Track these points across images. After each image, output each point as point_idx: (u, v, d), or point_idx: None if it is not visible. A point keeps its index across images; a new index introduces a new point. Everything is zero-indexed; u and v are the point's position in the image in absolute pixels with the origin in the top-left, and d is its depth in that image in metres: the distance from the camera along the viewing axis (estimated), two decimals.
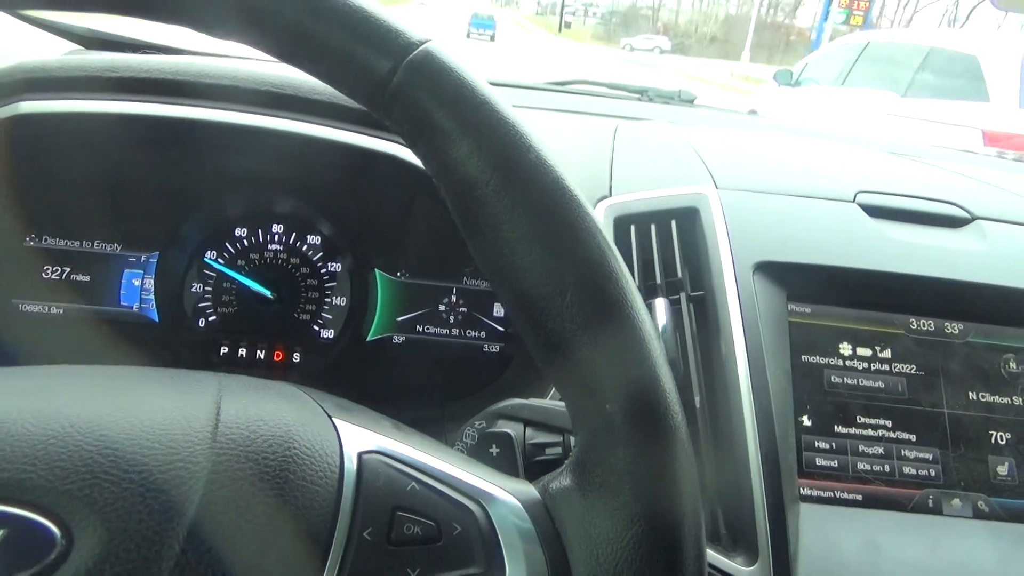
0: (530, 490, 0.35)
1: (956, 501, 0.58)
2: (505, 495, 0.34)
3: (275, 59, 0.36)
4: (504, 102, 0.34)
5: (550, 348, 0.33)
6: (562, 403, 0.47)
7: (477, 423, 0.45)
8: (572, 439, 0.44)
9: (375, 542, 0.30)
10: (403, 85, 0.33)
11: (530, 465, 0.43)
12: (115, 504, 0.27)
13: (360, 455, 0.32)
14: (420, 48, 0.34)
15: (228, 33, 0.35)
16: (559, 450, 0.43)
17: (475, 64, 0.37)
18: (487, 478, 0.34)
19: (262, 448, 0.31)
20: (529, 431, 0.44)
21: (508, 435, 0.43)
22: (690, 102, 1.39)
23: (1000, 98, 3.98)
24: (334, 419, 0.34)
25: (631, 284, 0.33)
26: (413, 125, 0.34)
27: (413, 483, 0.32)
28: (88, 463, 0.28)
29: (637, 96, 1.36)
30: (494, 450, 0.43)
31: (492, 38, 30.58)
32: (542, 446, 0.43)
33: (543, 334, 0.33)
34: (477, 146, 0.33)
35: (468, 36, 30.27)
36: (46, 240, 0.76)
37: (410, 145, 0.35)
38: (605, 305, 0.32)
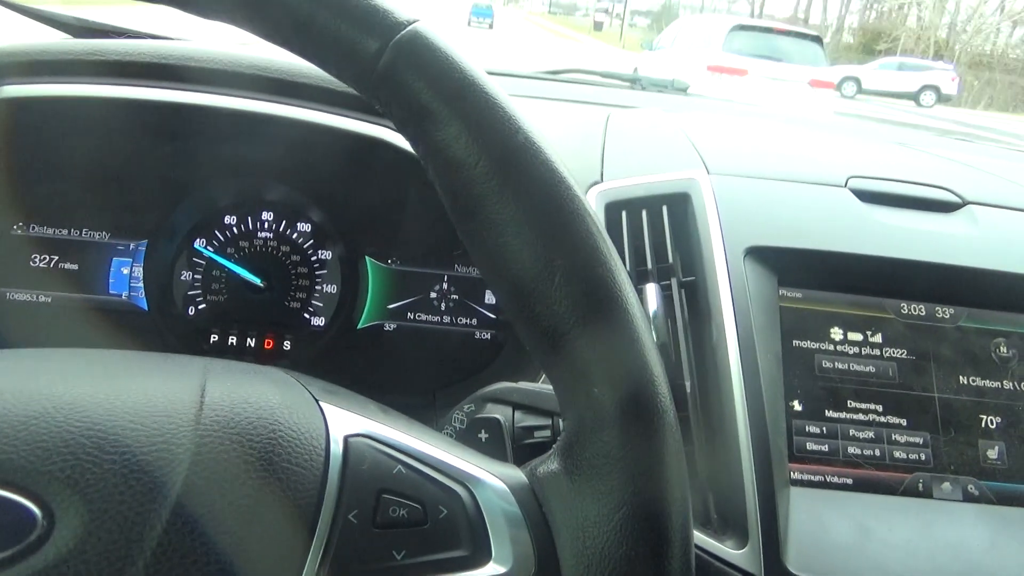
0: (517, 474, 0.35)
1: (946, 485, 0.58)
2: (492, 479, 0.34)
3: (264, 41, 0.35)
4: (493, 83, 0.34)
5: (538, 332, 0.33)
6: (551, 386, 0.47)
7: (466, 407, 0.45)
8: (561, 422, 0.43)
9: (360, 524, 0.30)
10: (391, 65, 0.33)
11: (518, 448, 0.43)
12: (97, 485, 0.27)
13: (346, 438, 0.32)
14: (408, 28, 0.33)
15: (217, 14, 0.35)
16: (548, 433, 0.43)
17: (465, 46, 0.37)
18: (474, 462, 0.34)
19: (247, 430, 0.30)
20: (518, 414, 0.44)
21: (497, 420, 0.43)
22: (683, 91, 1.38)
23: (713, 48, 8.57)
24: (320, 402, 0.34)
25: (620, 268, 0.33)
26: (401, 106, 0.34)
27: (399, 466, 0.32)
28: (70, 444, 0.28)
29: (629, 84, 1.36)
30: (483, 435, 0.43)
31: (491, 26, 31.93)
32: (531, 429, 0.43)
33: (531, 318, 0.33)
34: (465, 127, 0.33)
35: (469, 24, 31.35)
36: (33, 228, 0.76)
37: (398, 126, 0.35)
38: (594, 289, 0.32)
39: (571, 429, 0.33)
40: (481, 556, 0.31)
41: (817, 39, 9.19)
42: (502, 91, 0.34)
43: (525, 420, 0.43)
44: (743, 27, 8.82)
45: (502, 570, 0.31)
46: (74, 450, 0.28)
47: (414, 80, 0.33)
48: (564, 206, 0.33)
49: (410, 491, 0.31)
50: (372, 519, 0.30)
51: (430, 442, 0.34)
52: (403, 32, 0.33)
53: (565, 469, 0.33)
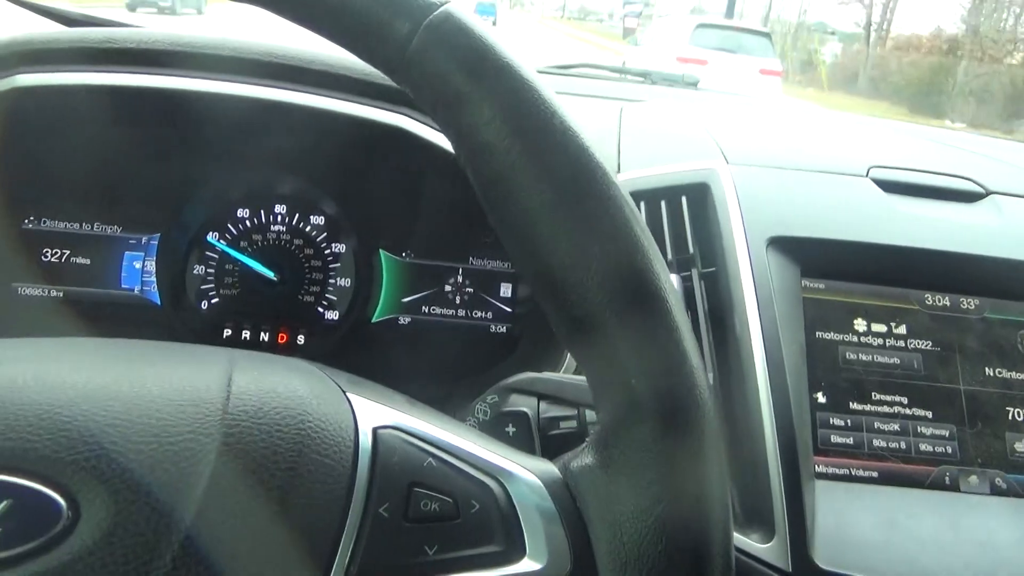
0: (550, 468, 0.34)
1: (973, 478, 0.57)
2: (525, 472, 0.33)
3: (292, 23, 0.34)
4: (528, 66, 0.33)
5: (573, 322, 0.32)
6: (575, 376, 0.46)
7: (489, 398, 0.44)
8: (587, 413, 0.43)
9: (392, 518, 0.29)
10: (422, 48, 0.32)
11: (544, 439, 0.42)
12: (123, 476, 0.27)
13: (375, 430, 0.31)
14: (440, 9, 0.32)
15: None
16: (574, 424, 0.42)
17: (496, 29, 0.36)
18: (506, 455, 0.33)
19: (275, 420, 0.30)
20: (542, 405, 0.43)
21: (525, 414, 0.42)
22: (694, 84, 1.37)
23: (681, 42, 10.15)
24: (348, 394, 0.33)
25: (658, 256, 0.32)
26: (432, 89, 0.33)
27: (430, 459, 0.31)
28: (95, 433, 0.27)
29: (641, 79, 1.35)
30: (510, 429, 0.42)
31: (494, 23, 32.81)
32: (556, 420, 0.42)
33: (566, 308, 0.32)
34: (499, 110, 0.31)
35: None
36: (45, 222, 0.75)
37: (429, 111, 0.34)
38: (632, 278, 0.31)
39: (606, 422, 0.32)
40: (515, 552, 0.31)
41: (767, 35, 11.15)
42: (536, 74, 0.33)
43: (550, 411, 0.43)
44: (706, 25, 10.67)
45: (537, 567, 0.30)
46: (100, 439, 0.27)
47: (446, 62, 0.32)
48: (601, 193, 0.31)
49: (441, 484, 0.31)
50: (404, 513, 0.30)
51: (460, 435, 0.33)
52: (435, 13, 0.32)
53: (600, 463, 0.32)
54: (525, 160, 0.31)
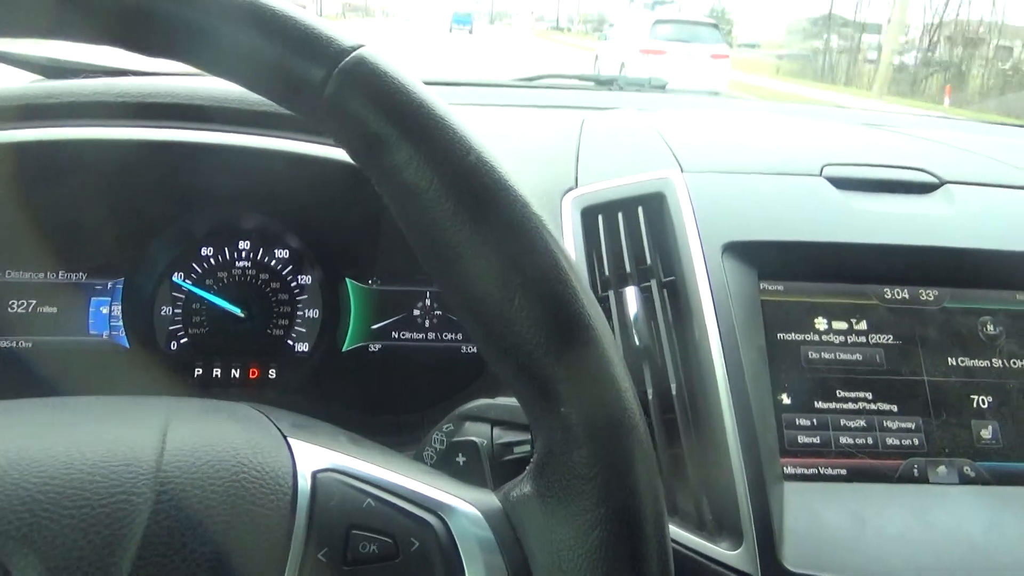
0: (490, 499, 0.34)
1: (941, 468, 0.57)
2: (465, 505, 0.33)
3: (211, 75, 0.35)
4: (442, 104, 0.33)
5: (503, 355, 0.32)
6: None
7: (445, 427, 0.44)
8: None
9: (330, 563, 0.30)
10: (337, 93, 0.32)
11: (498, 466, 0.42)
12: (54, 542, 0.27)
13: (314, 474, 0.32)
14: (352, 55, 0.33)
15: (162, 52, 0.34)
16: (527, 448, 0.42)
17: (410, 67, 0.36)
18: (446, 489, 0.34)
19: (209, 474, 0.30)
20: (497, 431, 0.43)
21: (474, 443, 0.42)
22: (661, 88, 1.38)
23: (642, 36, 11.85)
24: (288, 438, 0.33)
25: (582, 283, 0.32)
26: (351, 133, 0.33)
27: (369, 499, 0.32)
28: (26, 501, 0.27)
29: (607, 86, 1.36)
30: (460, 459, 0.43)
31: (471, 31, 34.39)
32: (510, 445, 0.42)
33: (495, 341, 0.32)
34: (415, 151, 0.32)
35: (450, 31, 33.74)
36: (9, 274, 0.75)
37: (351, 155, 0.34)
38: (555, 307, 0.31)
39: (542, 451, 0.32)
40: None
41: (715, 25, 13.33)
42: (451, 112, 0.33)
43: (504, 436, 0.43)
44: (662, 20, 12.44)
45: None
46: (30, 507, 0.27)
47: (361, 107, 0.32)
48: (520, 224, 0.32)
49: (380, 525, 0.31)
50: (342, 557, 0.30)
51: (401, 471, 0.33)
52: (347, 59, 0.32)
53: (537, 492, 0.32)
54: (443, 198, 0.31)
